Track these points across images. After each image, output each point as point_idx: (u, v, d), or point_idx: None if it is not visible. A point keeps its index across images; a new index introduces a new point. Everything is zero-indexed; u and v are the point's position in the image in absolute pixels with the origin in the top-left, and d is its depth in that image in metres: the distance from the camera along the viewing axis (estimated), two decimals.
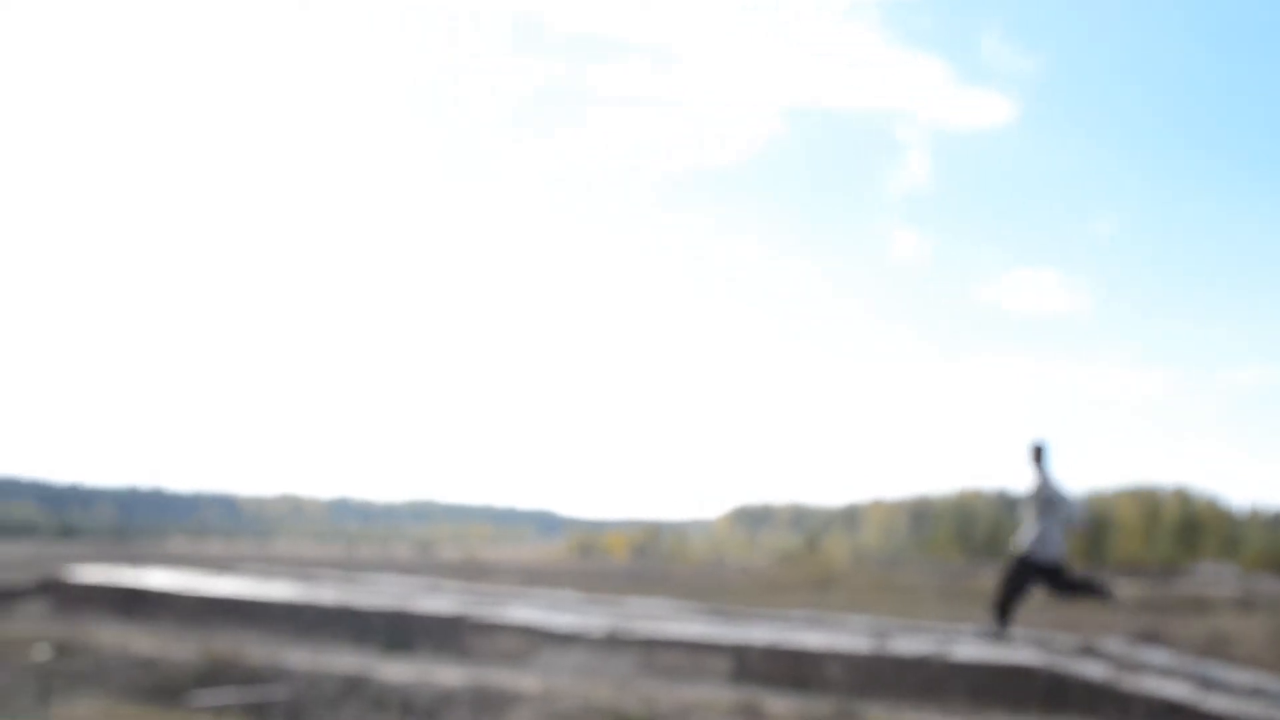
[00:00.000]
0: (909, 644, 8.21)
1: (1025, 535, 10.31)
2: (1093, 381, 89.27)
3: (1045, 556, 10.17)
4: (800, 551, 37.56)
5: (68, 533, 47.00)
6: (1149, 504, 43.71)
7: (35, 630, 10.03)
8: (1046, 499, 10.34)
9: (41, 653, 8.61)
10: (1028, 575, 10.16)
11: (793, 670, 8.11)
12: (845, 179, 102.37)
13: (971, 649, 8.23)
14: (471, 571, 23.60)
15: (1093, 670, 7.54)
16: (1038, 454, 10.56)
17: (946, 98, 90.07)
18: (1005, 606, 10.15)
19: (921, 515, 49.04)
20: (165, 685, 8.45)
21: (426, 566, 26.28)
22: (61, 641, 9.14)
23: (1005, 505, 48.10)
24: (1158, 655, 9.12)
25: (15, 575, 16.69)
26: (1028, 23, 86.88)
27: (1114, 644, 9.62)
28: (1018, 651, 8.26)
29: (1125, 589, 20.52)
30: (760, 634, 8.91)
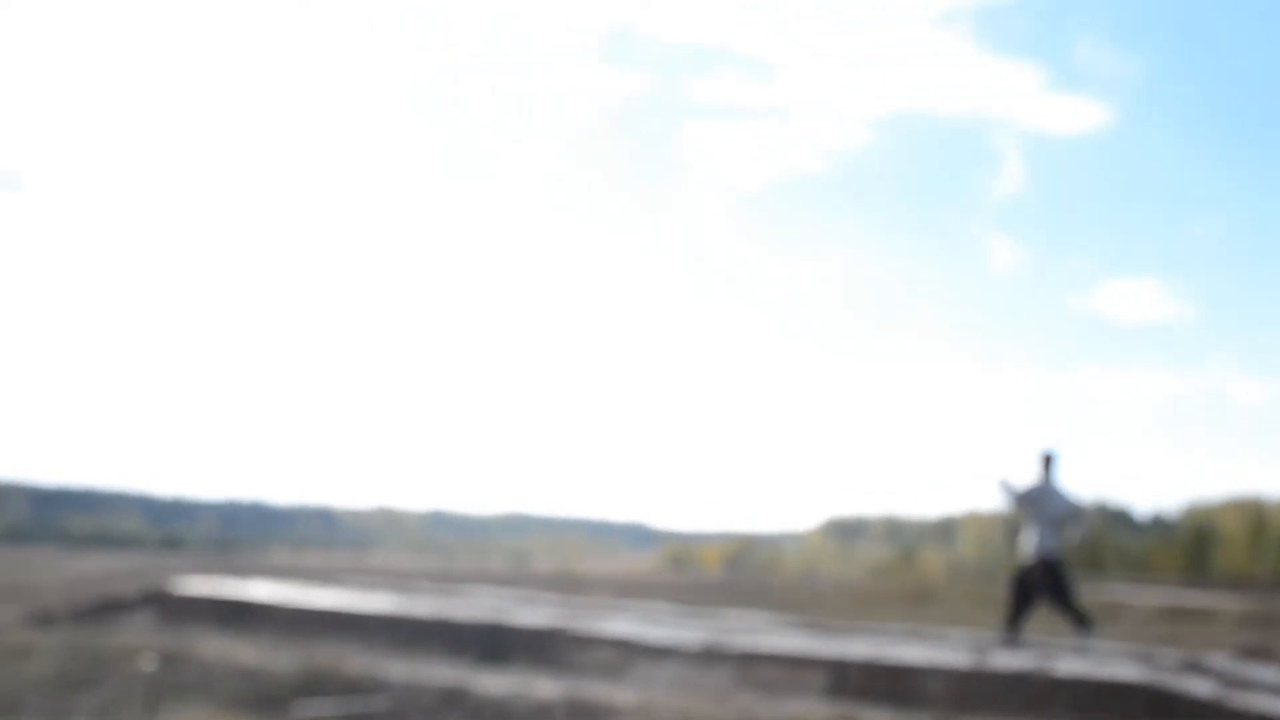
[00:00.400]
0: (1009, 659, 8.08)
1: (1030, 544, 10.33)
2: (1196, 391, 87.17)
3: (1053, 558, 10.26)
4: (895, 564, 37.09)
5: (172, 545, 48.01)
6: (1254, 515, 42.59)
7: (142, 641, 10.26)
8: (1046, 505, 10.40)
9: (148, 663, 8.80)
10: (1060, 576, 10.23)
11: (891, 685, 8.02)
12: (939, 187, 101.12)
13: (1073, 664, 8.08)
14: (566, 584, 23.69)
15: (1199, 687, 7.35)
16: (1046, 462, 10.58)
17: (1041, 104, 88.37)
18: (1075, 613, 10.13)
19: (1019, 527, 48.19)
20: (268, 695, 8.58)
21: (521, 579, 26.45)
22: (167, 652, 9.34)
23: (1106, 517, 47.04)
24: (1267, 672, 8.88)
25: (123, 587, 17.09)
26: (1123, 26, 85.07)
27: (1220, 660, 9.39)
28: (1121, 667, 8.10)
29: (1230, 603, 20.02)
30: (858, 648, 8.83)
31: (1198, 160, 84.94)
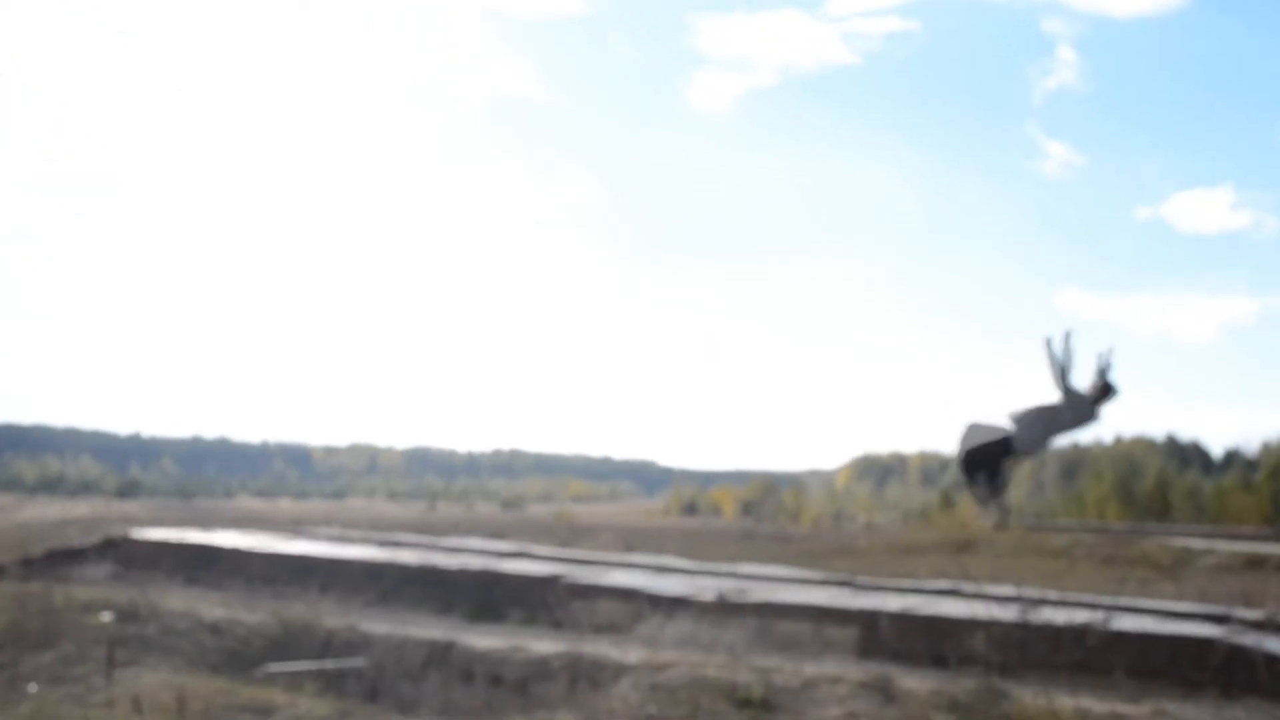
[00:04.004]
0: (1062, 614, 8.01)
1: None
2: (1276, 312, 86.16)
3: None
4: (934, 509, 36.84)
5: (129, 489, 48.20)
6: None
7: (99, 594, 10.29)
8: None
9: (106, 618, 8.84)
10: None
11: (928, 643, 7.98)
12: (981, 81, 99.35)
13: (1135, 620, 8.02)
14: (565, 532, 23.75)
15: None
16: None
17: None
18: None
19: (1074, 466, 47.67)
20: (236, 653, 8.63)
21: (514, 528, 26.52)
22: (126, 606, 9.37)
23: (1175, 455, 46.52)
24: None
25: (77, 535, 17.16)
26: None
27: None
28: (1191, 624, 8.03)
29: None
30: (891, 602, 8.81)
31: None
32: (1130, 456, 42.90)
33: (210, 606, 9.80)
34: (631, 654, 7.89)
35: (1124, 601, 9.32)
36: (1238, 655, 7.07)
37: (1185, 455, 48.46)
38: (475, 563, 11.40)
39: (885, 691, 6.66)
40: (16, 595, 10.02)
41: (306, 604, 10.21)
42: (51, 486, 47.67)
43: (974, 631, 7.84)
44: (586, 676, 7.70)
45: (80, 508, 30.61)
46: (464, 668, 8.30)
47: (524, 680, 8.00)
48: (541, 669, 7.96)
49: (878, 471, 69.31)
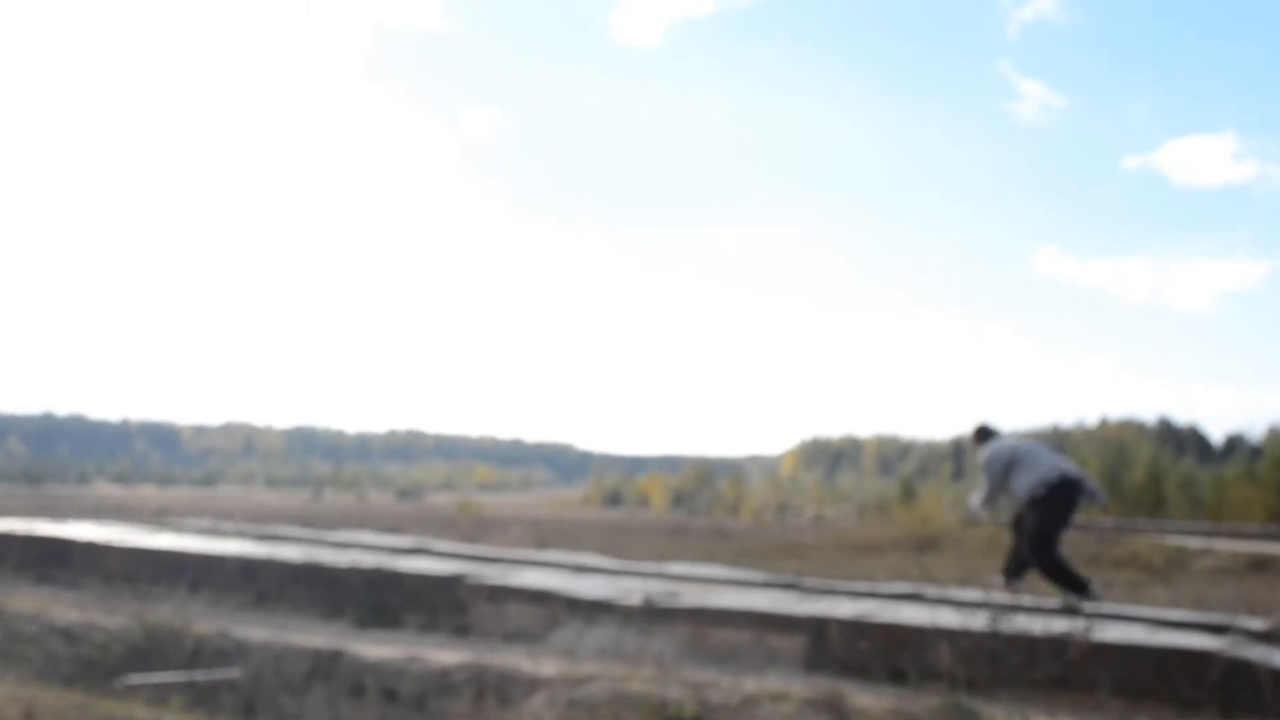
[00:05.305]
0: (1039, 622, 8.02)
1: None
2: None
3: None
4: (892, 501, 36.96)
5: None
6: None
7: None
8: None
9: None
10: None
11: (885, 654, 7.97)
12: (949, 9, 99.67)
13: (1123, 629, 8.04)
14: (470, 527, 23.68)
15: None
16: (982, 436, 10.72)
17: None
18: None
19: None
20: (93, 662, 8.48)
21: (412, 520, 26.41)
22: None
23: (1170, 440, 46.47)
24: None
25: None
26: None
27: None
28: (1186, 634, 8.05)
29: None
30: (843, 607, 8.79)
31: None
32: (1118, 442, 42.60)
33: (63, 608, 9.63)
34: (546, 665, 7.84)
35: (1110, 608, 9.37)
36: (1239, 670, 7.10)
37: (1181, 441, 48.60)
38: (367, 560, 11.31)
39: (836, 709, 6.66)
40: None
41: (173, 606, 10.06)
42: None
43: (938, 642, 7.85)
44: (494, 691, 7.64)
45: None
46: (353, 680, 8.21)
47: (422, 695, 7.93)
48: (442, 682, 7.89)
49: (828, 458, 69.58)
